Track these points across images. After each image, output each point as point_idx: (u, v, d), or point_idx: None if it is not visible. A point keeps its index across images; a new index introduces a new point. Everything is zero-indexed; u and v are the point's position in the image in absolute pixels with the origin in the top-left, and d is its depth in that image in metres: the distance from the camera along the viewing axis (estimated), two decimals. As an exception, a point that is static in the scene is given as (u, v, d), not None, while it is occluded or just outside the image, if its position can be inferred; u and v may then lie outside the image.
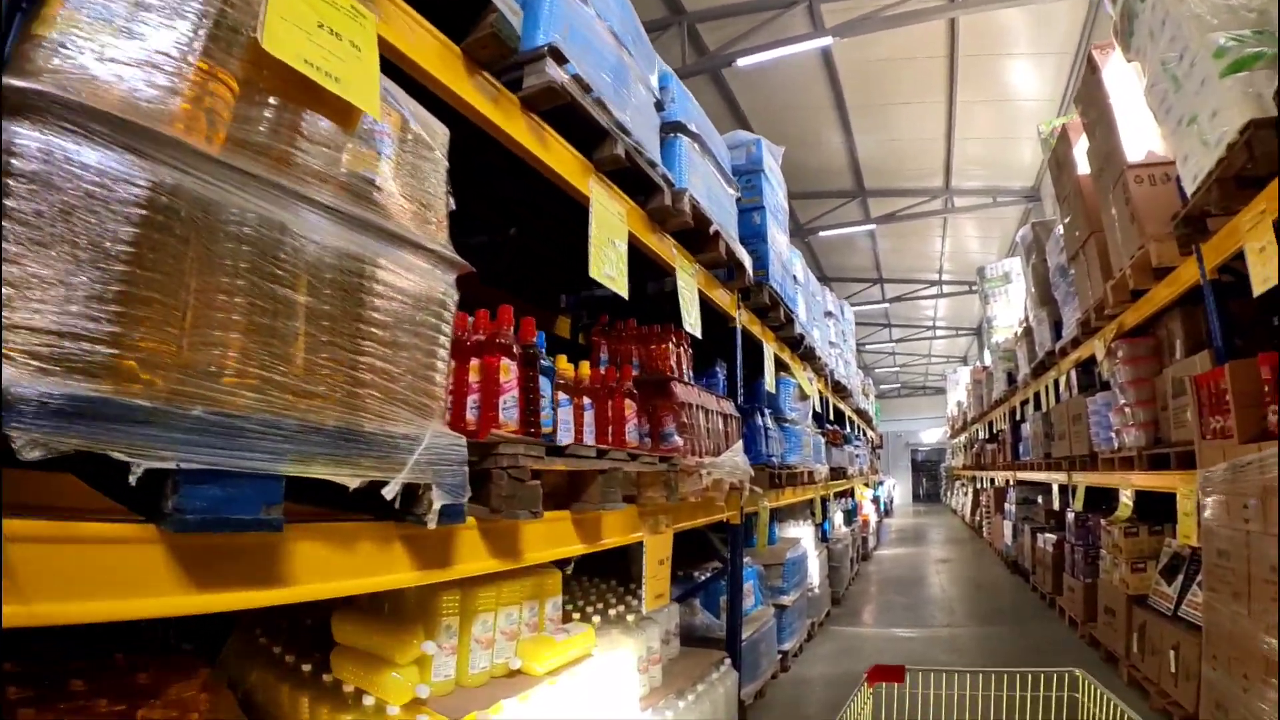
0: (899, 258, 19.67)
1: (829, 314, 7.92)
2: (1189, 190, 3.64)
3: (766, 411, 4.28)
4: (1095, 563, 5.70)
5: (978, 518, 14.87)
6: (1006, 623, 6.48)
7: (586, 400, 2.40)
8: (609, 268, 2.42)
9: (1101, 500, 6.44)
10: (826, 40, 9.47)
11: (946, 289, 21.18)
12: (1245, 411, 3.22)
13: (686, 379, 3.07)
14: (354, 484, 1.29)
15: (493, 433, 1.66)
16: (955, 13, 9.35)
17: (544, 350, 2.18)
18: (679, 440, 2.71)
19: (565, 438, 2.23)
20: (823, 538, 7.36)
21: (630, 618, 2.82)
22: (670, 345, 3.24)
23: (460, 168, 1.68)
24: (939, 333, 26.86)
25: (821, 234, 15.18)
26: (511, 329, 1.90)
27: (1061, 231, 6.60)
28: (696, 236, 3.38)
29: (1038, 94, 11.34)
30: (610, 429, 2.49)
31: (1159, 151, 4.53)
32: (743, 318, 4.21)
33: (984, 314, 11.66)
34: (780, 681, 4.71)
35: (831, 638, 6.09)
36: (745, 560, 4.59)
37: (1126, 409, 4.92)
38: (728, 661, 3.52)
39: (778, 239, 4.79)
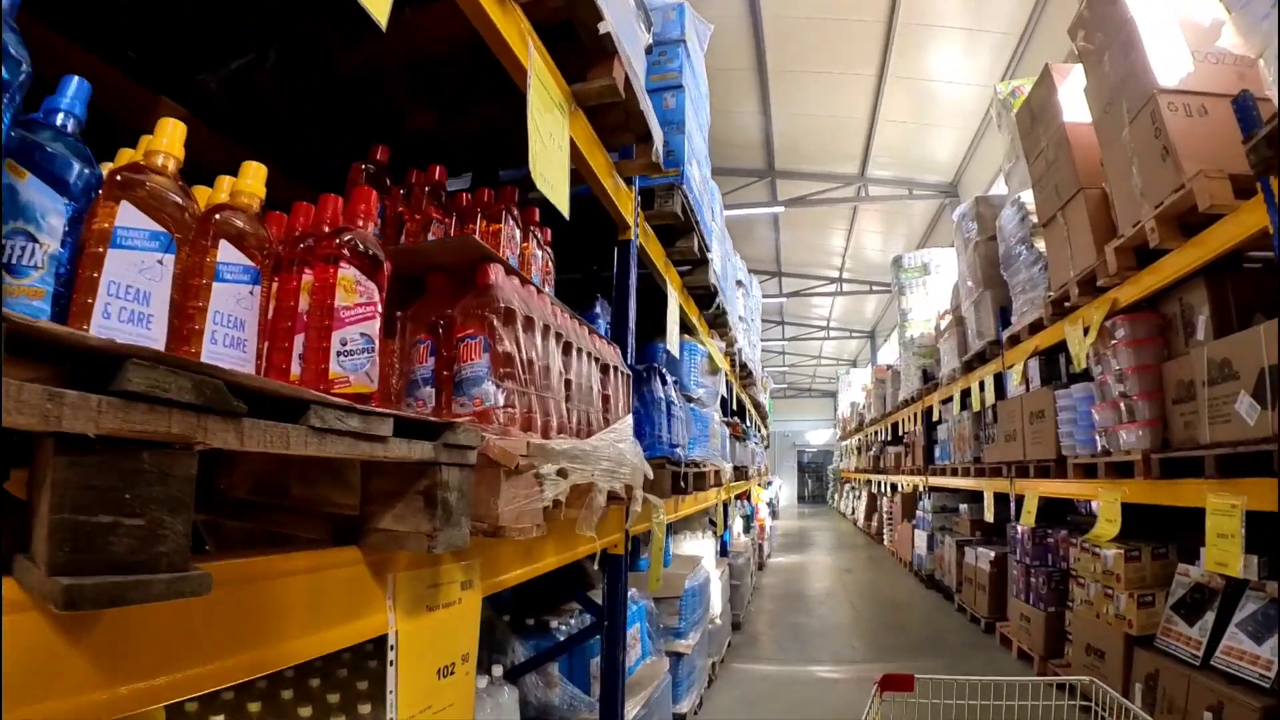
0: (799, 251, 18.83)
1: (740, 284, 6.64)
2: (1282, 89, 2.59)
3: (669, 380, 2.85)
4: (1060, 589, 4.65)
5: (874, 523, 14.16)
6: (941, 654, 5.34)
7: (235, 262, 0.88)
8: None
9: (1052, 513, 5.46)
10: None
11: (846, 287, 20.56)
12: None
13: (538, 284, 1.58)
14: None
15: None
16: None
17: None
18: (494, 393, 1.23)
19: (134, 336, 0.70)
20: (723, 551, 6.06)
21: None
22: (511, 227, 1.76)
23: None
24: (832, 333, 26.47)
25: (726, 213, 13.98)
26: None
27: (1023, 201, 5.58)
28: (572, 44, 1.92)
29: (969, 78, 10.49)
30: (305, 342, 0.99)
31: (1193, 82, 3.50)
32: (642, 235, 2.77)
33: (898, 307, 10.76)
34: (670, 766, 3.32)
35: (736, 681, 4.77)
36: (629, 596, 3.16)
37: (1124, 403, 3.82)
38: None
39: (697, 141, 3.39)
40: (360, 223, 1.17)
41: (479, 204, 1.85)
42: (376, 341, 1.10)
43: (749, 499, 9.57)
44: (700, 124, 3.59)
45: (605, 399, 1.78)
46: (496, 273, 1.34)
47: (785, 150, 13.52)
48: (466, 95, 2.25)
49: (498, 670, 2.13)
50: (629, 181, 2.64)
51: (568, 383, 1.52)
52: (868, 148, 12.90)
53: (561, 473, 1.28)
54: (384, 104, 2.50)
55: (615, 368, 1.89)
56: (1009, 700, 1.80)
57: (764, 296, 19.65)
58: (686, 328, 4.06)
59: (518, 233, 1.79)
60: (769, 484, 16.58)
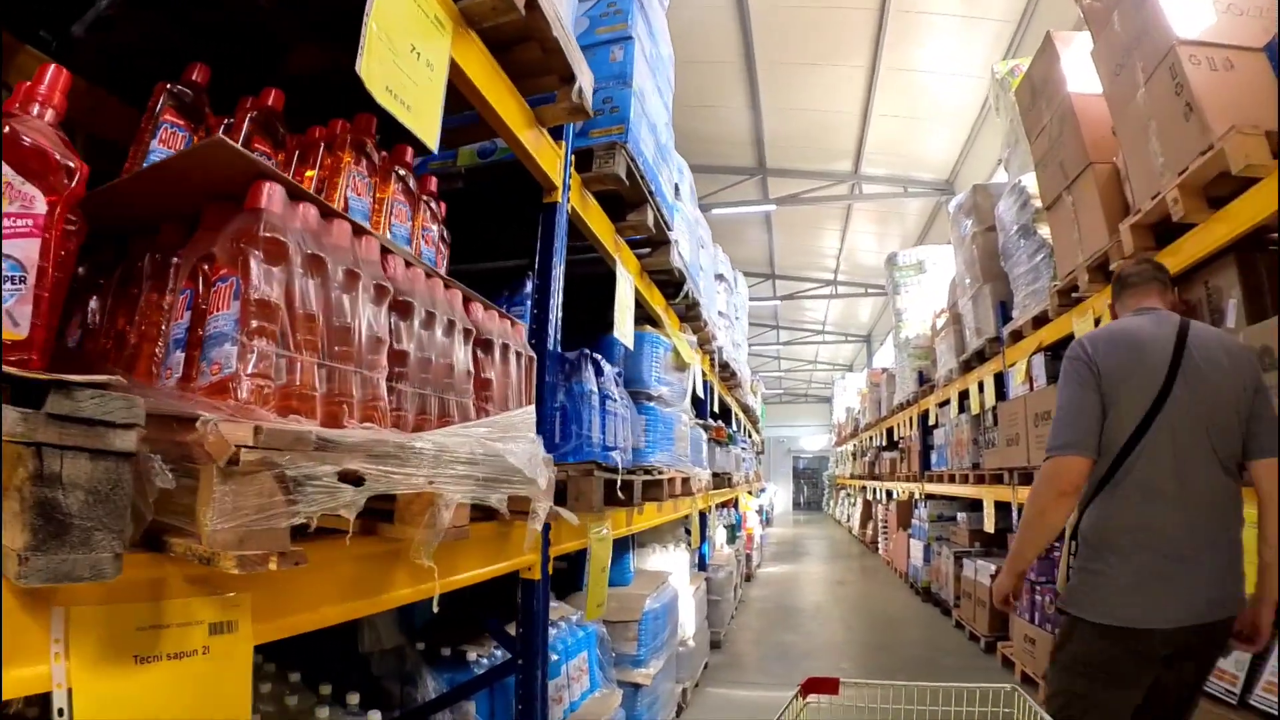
0: (792, 253, 18.42)
1: (720, 277, 6.23)
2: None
3: (608, 370, 2.43)
4: (1067, 612, 4.22)
5: (870, 531, 13.73)
6: (937, 677, 4.87)
7: None
8: None
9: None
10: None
11: (841, 290, 20.14)
12: None
13: (363, 226, 1.16)
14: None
15: None
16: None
17: None
18: (237, 356, 0.82)
19: None
20: (700, 565, 5.62)
21: None
22: (360, 165, 1.35)
23: None
24: (827, 337, 26.04)
25: (715, 212, 13.50)
26: None
27: (1024, 185, 5.19)
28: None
29: (965, 69, 10.06)
30: None
31: (1215, 34, 3.13)
32: (578, 202, 2.35)
33: (893, 307, 10.35)
34: (622, 818, 2.89)
35: (711, 708, 4.34)
36: (570, 620, 2.74)
37: (1140, 401, 3.39)
38: None
39: (652, 103, 2.98)
40: (36, 110, 0.77)
41: (329, 137, 1.44)
42: (32, 273, 0.70)
43: (735, 507, 9.14)
44: (659, 86, 3.18)
45: (483, 384, 1.37)
46: (270, 194, 0.93)
47: (776, 147, 13.12)
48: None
49: (376, 716, 1.73)
50: (557, 137, 2.23)
51: (399, 355, 1.10)
52: (861, 144, 12.50)
53: (351, 477, 0.86)
54: (262, 38, 2.09)
55: (507, 346, 1.47)
56: (933, 705, 1.77)
57: (758, 300, 19.28)
58: (651, 319, 3.65)
59: (367, 173, 1.37)
60: (761, 491, 16.15)
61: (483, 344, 1.39)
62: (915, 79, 10.53)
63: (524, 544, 1.46)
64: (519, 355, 1.53)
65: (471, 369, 1.31)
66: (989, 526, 5.85)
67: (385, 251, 1.17)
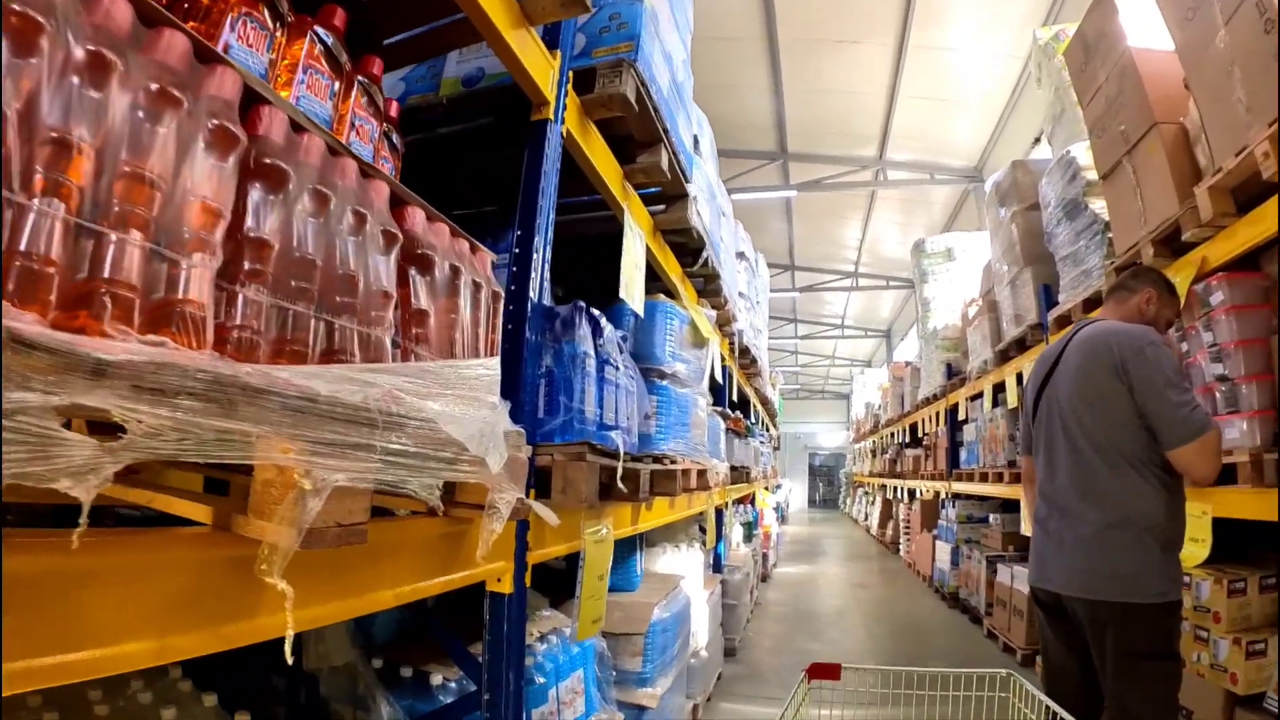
0: (813, 244, 17.93)
1: (741, 256, 5.81)
2: None
3: (609, 332, 2.01)
4: (1126, 628, 3.78)
5: (889, 531, 13.26)
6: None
7: None
8: None
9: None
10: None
11: (862, 282, 19.60)
12: None
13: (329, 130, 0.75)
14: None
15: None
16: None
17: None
18: None
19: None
20: (716, 566, 5.20)
21: None
22: (253, 9, 0.94)
23: None
24: (847, 332, 25.48)
25: (734, 197, 13.03)
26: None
27: (1073, 156, 4.71)
28: None
29: (997, 48, 9.54)
30: None
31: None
32: (578, 129, 1.94)
33: (919, 296, 9.86)
34: None
35: (722, 726, 3.94)
36: (563, 633, 2.33)
37: (1221, 390, 2.96)
38: None
39: (666, 28, 2.56)
40: None
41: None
42: None
43: (752, 503, 8.72)
44: (675, 19, 2.76)
45: (415, 318, 0.96)
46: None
47: (798, 131, 12.64)
48: None
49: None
50: (551, 45, 1.82)
51: (257, 244, 0.70)
52: (887, 128, 12.01)
53: (100, 422, 0.46)
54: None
55: (457, 270, 1.06)
56: (931, 690, 1.82)
57: (777, 291, 18.74)
58: (666, 290, 3.25)
59: (268, 23, 0.97)
60: (778, 487, 15.71)
61: (418, 261, 0.98)
62: (944, 58, 10.04)
63: (478, 550, 1.05)
64: (478, 287, 1.12)
65: (392, 290, 0.91)
66: (1026, 529, 5.39)
67: (260, 101, 0.76)
